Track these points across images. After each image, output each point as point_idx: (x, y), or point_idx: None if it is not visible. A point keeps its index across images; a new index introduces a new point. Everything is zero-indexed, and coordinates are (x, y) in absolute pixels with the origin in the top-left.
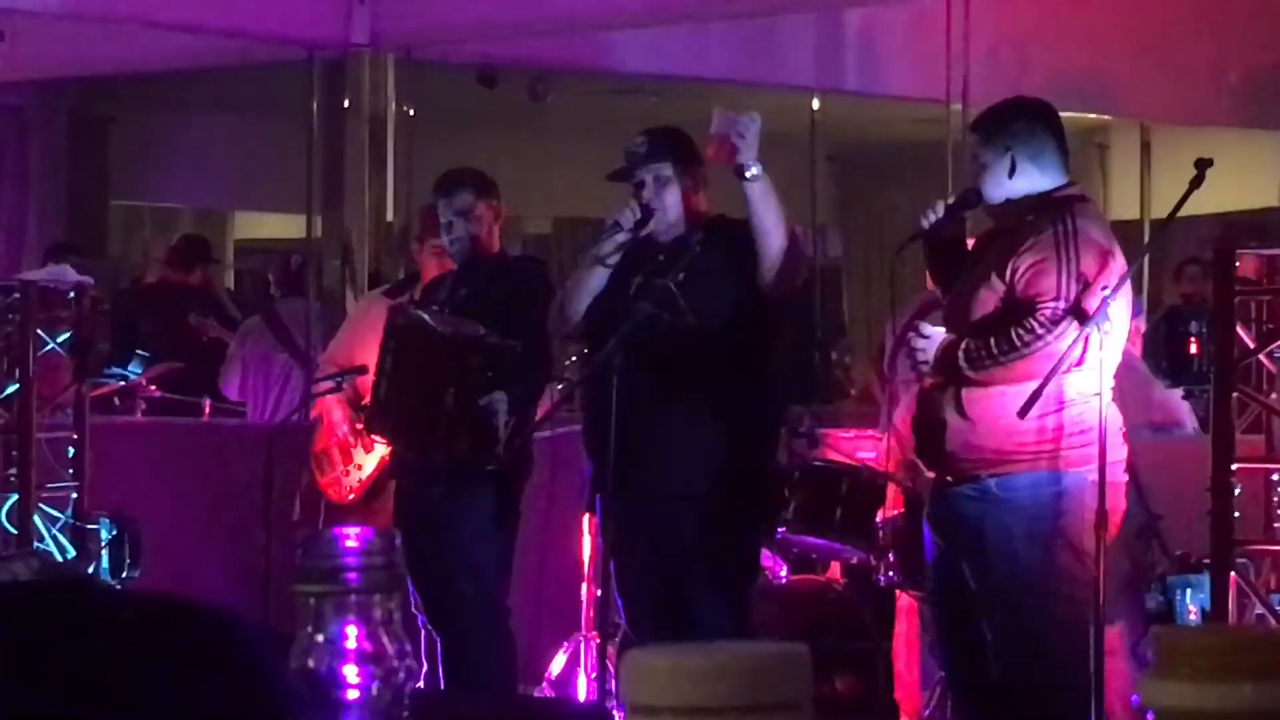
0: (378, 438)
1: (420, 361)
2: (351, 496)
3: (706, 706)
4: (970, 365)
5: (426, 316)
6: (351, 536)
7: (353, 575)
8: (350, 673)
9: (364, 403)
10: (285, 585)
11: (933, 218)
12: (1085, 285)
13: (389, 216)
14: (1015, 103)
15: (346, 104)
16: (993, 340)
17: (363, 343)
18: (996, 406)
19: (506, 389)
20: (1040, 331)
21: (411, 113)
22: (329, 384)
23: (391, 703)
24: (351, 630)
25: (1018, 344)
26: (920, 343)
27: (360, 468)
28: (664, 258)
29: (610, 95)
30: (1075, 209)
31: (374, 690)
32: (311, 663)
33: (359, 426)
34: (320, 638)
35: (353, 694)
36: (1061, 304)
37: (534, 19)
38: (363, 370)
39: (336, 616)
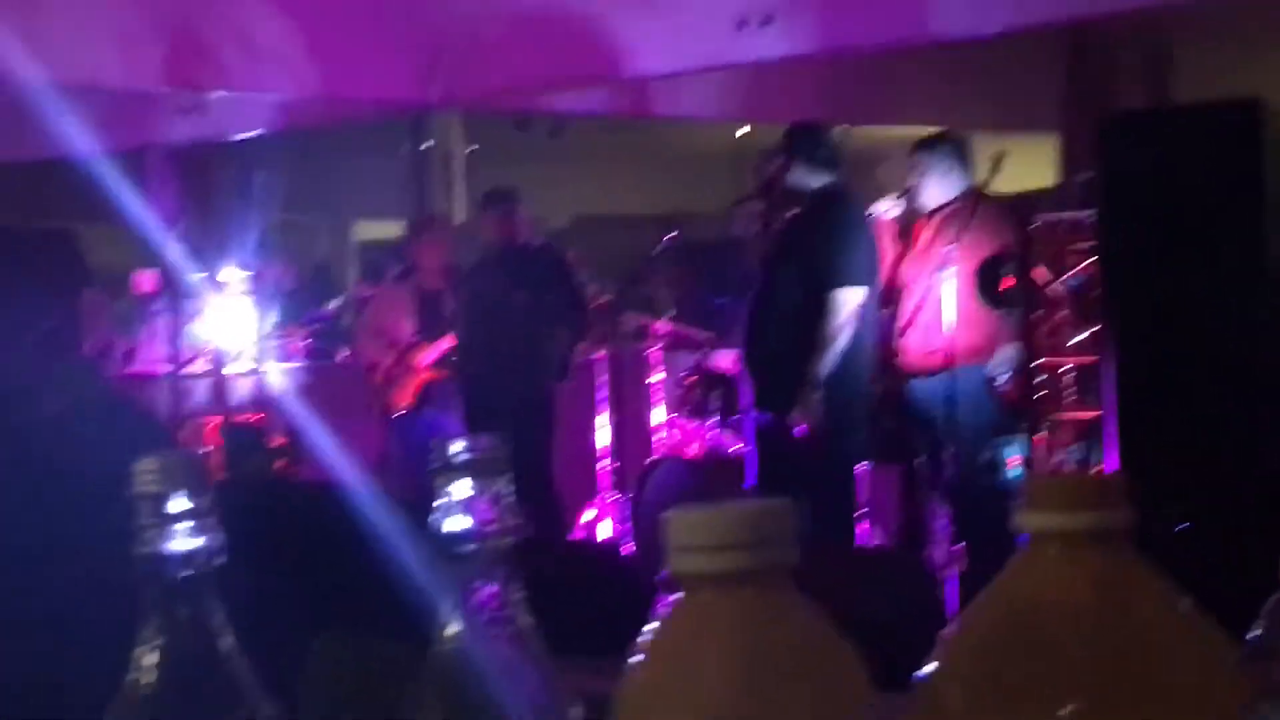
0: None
1: (496, 312)
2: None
3: (706, 545)
4: None
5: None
6: None
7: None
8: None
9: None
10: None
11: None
12: None
13: (455, 222)
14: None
15: (431, 143)
16: None
17: (393, 316)
18: None
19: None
20: None
21: (475, 149)
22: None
23: (500, 555)
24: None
25: None
26: None
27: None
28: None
29: (622, 125)
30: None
31: (485, 545)
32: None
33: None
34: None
35: (470, 546)
36: None
37: (559, 75)
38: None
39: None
